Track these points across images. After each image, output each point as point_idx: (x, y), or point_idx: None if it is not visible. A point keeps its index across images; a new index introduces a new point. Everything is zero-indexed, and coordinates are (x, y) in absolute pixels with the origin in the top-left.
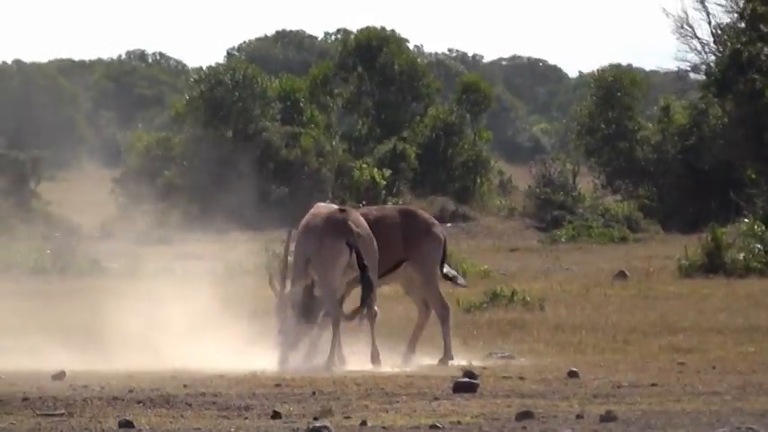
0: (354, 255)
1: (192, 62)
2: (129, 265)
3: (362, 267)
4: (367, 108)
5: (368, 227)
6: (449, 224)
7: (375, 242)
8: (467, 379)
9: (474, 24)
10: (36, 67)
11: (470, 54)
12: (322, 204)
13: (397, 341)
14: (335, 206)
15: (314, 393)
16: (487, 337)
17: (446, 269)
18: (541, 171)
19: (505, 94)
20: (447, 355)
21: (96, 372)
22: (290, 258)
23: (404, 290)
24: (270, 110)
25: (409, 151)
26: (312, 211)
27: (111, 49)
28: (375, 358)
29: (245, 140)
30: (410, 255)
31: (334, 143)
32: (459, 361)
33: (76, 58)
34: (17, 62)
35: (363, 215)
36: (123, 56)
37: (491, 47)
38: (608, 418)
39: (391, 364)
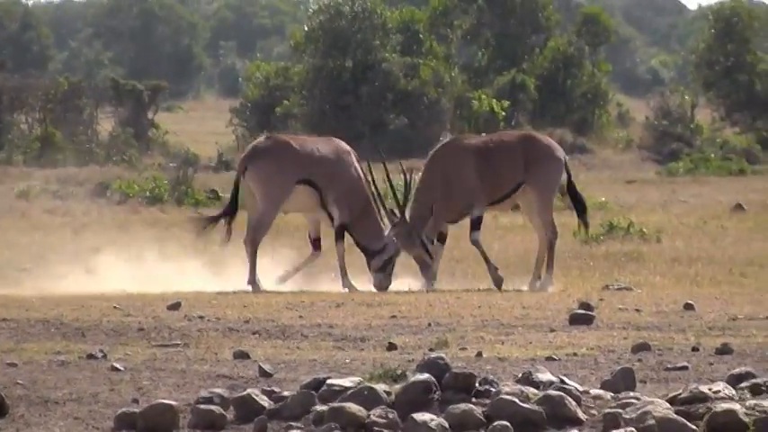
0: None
1: None
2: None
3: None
4: (487, 39)
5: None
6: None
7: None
8: (583, 311)
9: None
10: None
11: None
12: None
13: (516, 271)
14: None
15: (429, 325)
16: (604, 269)
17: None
18: (660, 103)
19: (624, 27)
20: (549, 279)
21: (212, 302)
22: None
23: (525, 216)
24: (389, 41)
25: (528, 83)
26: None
27: None
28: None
29: (364, 71)
30: (529, 178)
31: (453, 74)
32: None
33: None
34: None
35: (483, 142)
36: None
37: None
38: (724, 350)
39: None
